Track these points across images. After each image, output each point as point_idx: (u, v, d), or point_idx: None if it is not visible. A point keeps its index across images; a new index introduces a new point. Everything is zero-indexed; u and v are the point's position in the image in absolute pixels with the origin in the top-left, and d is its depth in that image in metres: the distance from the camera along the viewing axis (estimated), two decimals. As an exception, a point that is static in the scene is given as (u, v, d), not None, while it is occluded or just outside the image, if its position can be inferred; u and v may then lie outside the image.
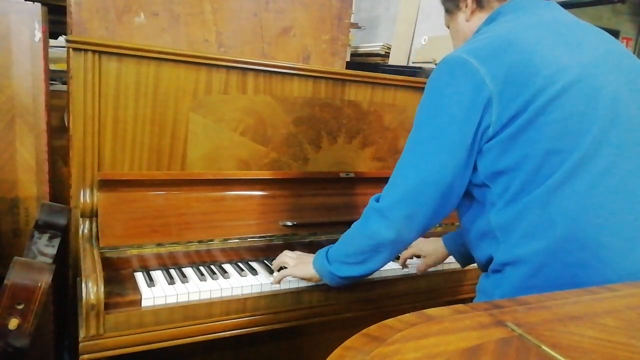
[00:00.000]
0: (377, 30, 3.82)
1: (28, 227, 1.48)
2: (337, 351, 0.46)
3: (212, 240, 1.25)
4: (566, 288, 0.67)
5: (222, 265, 1.21)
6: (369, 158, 1.63)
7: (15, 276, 1.04)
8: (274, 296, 1.15)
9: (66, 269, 1.36)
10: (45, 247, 1.24)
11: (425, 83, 0.97)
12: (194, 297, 1.06)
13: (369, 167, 1.64)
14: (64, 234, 1.28)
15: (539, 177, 0.85)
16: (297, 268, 1.15)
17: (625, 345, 0.49)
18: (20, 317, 1.04)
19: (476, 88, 0.86)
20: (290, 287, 1.17)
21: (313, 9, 1.82)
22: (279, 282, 1.16)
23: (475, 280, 1.11)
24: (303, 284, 1.19)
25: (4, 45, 1.37)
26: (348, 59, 3.24)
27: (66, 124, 1.53)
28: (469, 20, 1.04)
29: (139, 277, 1.10)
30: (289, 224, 1.35)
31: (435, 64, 1.02)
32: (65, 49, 1.38)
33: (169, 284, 1.09)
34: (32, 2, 1.39)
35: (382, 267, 1.05)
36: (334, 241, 1.30)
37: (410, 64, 3.28)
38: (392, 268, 1.32)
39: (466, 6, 1.03)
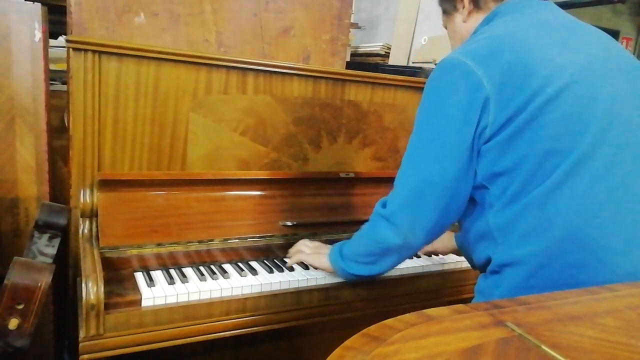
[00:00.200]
0: (377, 30, 3.82)
1: (28, 227, 1.48)
2: (337, 351, 0.46)
3: (212, 240, 1.25)
4: (565, 289, 0.67)
5: (222, 265, 1.21)
6: (369, 158, 1.63)
7: (15, 276, 1.04)
8: (274, 296, 1.15)
9: (66, 269, 1.36)
10: (45, 247, 1.24)
11: (425, 83, 0.97)
12: (194, 297, 1.06)
13: (369, 167, 1.64)
14: (64, 234, 1.28)
15: (537, 177, 0.85)
16: (313, 256, 1.19)
17: (625, 345, 0.49)
18: (20, 317, 1.04)
19: (473, 89, 0.86)
20: (290, 287, 1.17)
21: (313, 9, 1.82)
22: (291, 265, 1.20)
23: (475, 281, 1.11)
24: (303, 284, 1.19)
25: (4, 45, 1.37)
26: (348, 59, 3.24)
27: (66, 124, 1.53)
28: (466, 21, 1.04)
29: (139, 277, 1.10)
30: (289, 224, 1.35)
31: (435, 64, 1.02)
32: (65, 49, 1.38)
33: (169, 284, 1.08)
34: (32, 2, 1.39)
35: (392, 268, 1.07)
36: (333, 241, 1.30)
37: (410, 64, 3.28)
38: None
39: (463, 7, 1.04)
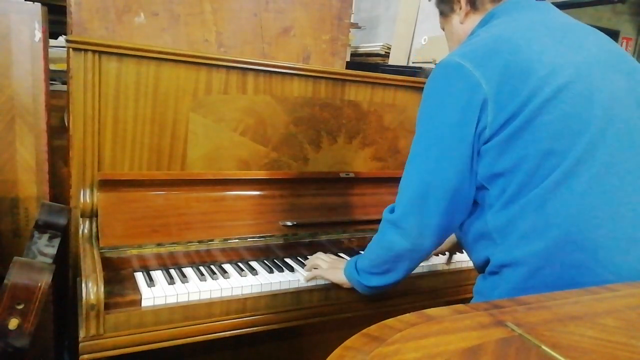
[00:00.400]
0: (377, 30, 3.82)
1: (28, 227, 1.48)
2: (337, 351, 0.46)
3: (212, 240, 1.25)
4: (564, 289, 0.67)
5: (222, 265, 1.21)
6: (369, 158, 1.63)
7: (15, 276, 1.04)
8: (274, 296, 1.15)
9: (66, 269, 1.36)
10: (45, 247, 1.24)
11: (425, 83, 0.97)
12: (194, 297, 1.06)
13: (369, 167, 1.64)
14: (64, 234, 1.28)
15: (536, 178, 0.84)
16: (329, 272, 1.18)
17: (625, 345, 0.49)
18: (20, 317, 1.04)
19: (471, 91, 0.86)
20: (290, 287, 1.17)
21: (313, 9, 1.82)
22: (309, 280, 1.19)
23: (475, 281, 1.11)
24: (303, 284, 1.19)
25: (4, 45, 1.37)
26: (348, 59, 3.24)
27: (66, 124, 1.53)
28: (463, 23, 1.04)
29: (139, 277, 1.10)
30: (289, 224, 1.35)
31: (435, 64, 1.02)
32: (65, 49, 1.38)
33: (169, 284, 1.09)
34: (32, 2, 1.39)
35: (407, 275, 1.06)
36: (334, 241, 1.31)
37: (410, 64, 3.29)
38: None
39: (460, 8, 1.03)
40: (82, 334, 0.96)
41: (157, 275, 1.12)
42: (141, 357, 1.07)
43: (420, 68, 2.56)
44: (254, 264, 1.25)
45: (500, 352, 0.46)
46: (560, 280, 0.83)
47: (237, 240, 1.28)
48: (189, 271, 1.16)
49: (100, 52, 1.18)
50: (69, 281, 1.34)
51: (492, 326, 0.51)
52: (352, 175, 1.56)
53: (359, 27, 3.71)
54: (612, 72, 0.89)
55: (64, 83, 1.85)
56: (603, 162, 0.83)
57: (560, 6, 1.01)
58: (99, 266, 1.00)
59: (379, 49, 3.46)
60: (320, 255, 1.24)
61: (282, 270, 1.22)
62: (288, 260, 1.29)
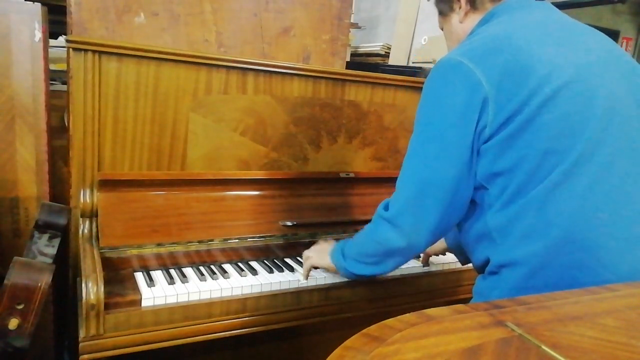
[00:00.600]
0: (377, 30, 3.82)
1: (28, 227, 1.48)
2: (337, 351, 0.46)
3: (212, 240, 1.25)
4: (564, 289, 0.67)
5: (222, 265, 1.21)
6: (369, 158, 1.63)
7: (15, 276, 1.04)
8: (274, 296, 1.15)
9: (66, 269, 1.36)
10: (45, 247, 1.24)
11: (426, 79, 0.97)
12: (194, 297, 1.06)
13: (369, 167, 1.64)
14: (64, 234, 1.28)
15: (536, 178, 0.84)
16: (317, 257, 1.18)
17: (625, 345, 0.49)
18: (20, 317, 1.04)
19: (472, 89, 0.86)
20: (290, 287, 1.17)
21: (313, 9, 1.82)
22: (306, 276, 1.19)
23: (474, 281, 1.11)
24: (303, 284, 1.19)
25: (4, 45, 1.37)
26: (348, 59, 3.24)
27: (66, 124, 1.53)
28: (463, 22, 1.04)
29: (139, 277, 1.10)
30: (289, 224, 1.35)
31: (435, 64, 1.02)
32: (65, 49, 1.38)
33: (169, 284, 1.09)
34: (32, 2, 1.39)
35: (395, 269, 1.06)
36: (335, 241, 1.30)
37: (410, 64, 3.29)
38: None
39: (460, 7, 1.03)
40: (82, 334, 0.96)
41: (157, 275, 1.12)
42: (141, 357, 1.07)
43: (420, 68, 2.56)
44: (254, 264, 1.25)
45: (500, 352, 0.46)
46: (560, 280, 0.83)
47: (237, 240, 1.28)
48: (189, 271, 1.16)
49: (100, 52, 1.18)
50: (69, 281, 1.34)
51: (492, 326, 0.51)
52: (352, 175, 1.55)
53: (359, 27, 3.71)
54: (611, 72, 0.89)
55: (64, 83, 1.85)
56: (603, 161, 0.83)
57: (560, 6, 1.01)
58: (99, 266, 1.00)
59: (379, 49, 3.46)
60: (312, 247, 1.24)
61: (282, 270, 1.22)
62: (288, 260, 1.29)
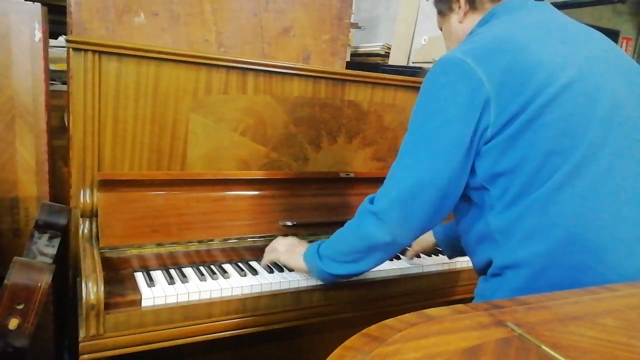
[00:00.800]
0: (377, 30, 3.82)
1: (28, 227, 1.48)
2: (337, 351, 0.46)
3: (212, 240, 1.25)
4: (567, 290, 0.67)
5: (222, 265, 1.21)
6: (369, 158, 1.63)
7: (15, 276, 1.04)
8: (273, 296, 1.15)
9: (66, 269, 1.36)
10: (45, 247, 1.24)
11: (426, 76, 0.96)
12: (194, 297, 1.06)
13: (369, 167, 1.64)
14: (64, 234, 1.28)
15: (539, 178, 0.84)
16: (286, 256, 1.15)
17: (625, 345, 0.49)
18: (20, 317, 1.04)
19: (473, 89, 0.85)
20: (290, 287, 1.17)
21: (313, 9, 1.82)
22: (265, 265, 1.17)
23: (475, 280, 1.11)
24: (303, 284, 1.19)
25: (4, 45, 1.37)
26: (348, 59, 3.24)
27: (66, 124, 1.53)
28: (462, 22, 1.03)
29: (139, 277, 1.10)
30: (289, 224, 1.35)
31: (435, 62, 1.02)
32: (65, 49, 1.38)
33: (169, 284, 1.09)
34: (32, 2, 1.39)
35: (374, 267, 1.04)
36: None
37: (410, 64, 3.29)
38: (391, 268, 1.32)
39: (459, 8, 1.03)
40: (82, 334, 0.96)
41: (157, 275, 1.12)
42: (141, 357, 1.07)
43: (420, 68, 2.56)
44: (254, 264, 1.25)
45: (500, 352, 0.46)
46: (563, 281, 0.83)
47: (237, 240, 1.28)
48: (189, 271, 1.16)
49: (100, 52, 1.18)
50: (69, 281, 1.34)
51: (492, 326, 0.51)
52: (352, 175, 1.56)
53: (359, 27, 3.71)
54: (612, 72, 0.89)
55: (64, 83, 1.85)
56: (606, 162, 0.83)
57: (561, 6, 1.01)
58: (99, 266, 1.00)
59: (379, 49, 3.46)
60: (279, 239, 1.20)
61: (282, 270, 1.22)
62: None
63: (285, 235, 1.34)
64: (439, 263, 1.39)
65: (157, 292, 1.04)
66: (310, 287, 1.19)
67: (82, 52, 1.16)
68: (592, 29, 0.97)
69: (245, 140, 1.41)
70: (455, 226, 1.05)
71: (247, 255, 1.28)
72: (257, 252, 1.30)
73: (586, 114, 0.84)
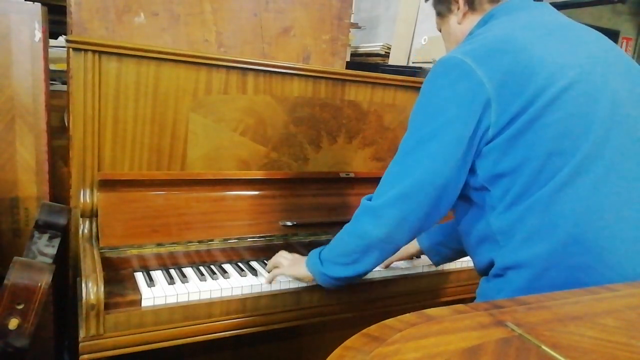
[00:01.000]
0: (377, 30, 3.82)
1: (28, 227, 1.48)
2: (337, 351, 0.46)
3: (212, 240, 1.25)
4: None
5: (222, 265, 1.21)
6: (369, 158, 1.63)
7: (15, 276, 1.04)
8: (273, 296, 1.15)
9: (66, 269, 1.36)
10: (45, 247, 1.24)
11: (426, 76, 0.96)
12: (194, 297, 1.06)
13: (369, 167, 1.64)
14: (64, 234, 1.28)
15: (540, 179, 0.84)
16: (290, 267, 1.15)
17: (625, 345, 0.49)
18: (20, 317, 1.04)
19: (474, 89, 0.85)
20: (290, 287, 1.17)
21: (313, 9, 1.82)
22: (270, 281, 1.15)
23: (476, 280, 1.11)
24: (303, 284, 1.19)
25: (4, 45, 1.37)
26: (348, 59, 3.24)
27: (66, 124, 1.53)
28: (461, 23, 1.03)
29: (139, 277, 1.10)
30: (289, 224, 1.35)
31: (435, 62, 1.02)
32: (65, 49, 1.38)
33: (169, 284, 1.09)
34: (32, 2, 1.39)
35: (373, 268, 1.04)
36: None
37: (410, 64, 3.29)
38: (391, 268, 1.32)
39: (458, 9, 1.03)
40: (82, 334, 0.96)
41: (157, 275, 1.12)
42: (141, 357, 1.07)
43: (420, 68, 2.56)
44: (254, 264, 1.25)
45: (500, 352, 0.46)
46: (565, 282, 0.82)
47: (237, 240, 1.28)
48: (189, 271, 1.16)
49: (100, 52, 1.18)
50: (69, 281, 1.34)
51: (492, 326, 0.51)
52: (352, 175, 1.56)
53: (359, 27, 3.71)
54: (613, 73, 0.88)
55: (64, 83, 1.85)
56: (608, 163, 0.83)
57: (560, 6, 1.01)
58: (99, 266, 1.00)
59: (379, 49, 3.46)
60: (282, 253, 1.20)
61: (282, 270, 1.22)
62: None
63: (285, 235, 1.34)
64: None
65: (157, 292, 1.04)
66: (310, 287, 1.19)
67: (82, 52, 1.16)
68: (592, 29, 0.97)
69: (245, 140, 1.41)
70: (456, 226, 1.05)
71: (247, 255, 1.28)
72: (257, 252, 1.30)
73: (587, 115, 0.84)
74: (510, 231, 0.88)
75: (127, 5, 1.49)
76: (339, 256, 1.04)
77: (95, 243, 1.13)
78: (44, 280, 1.06)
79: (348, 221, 1.02)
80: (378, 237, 0.95)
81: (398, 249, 1.01)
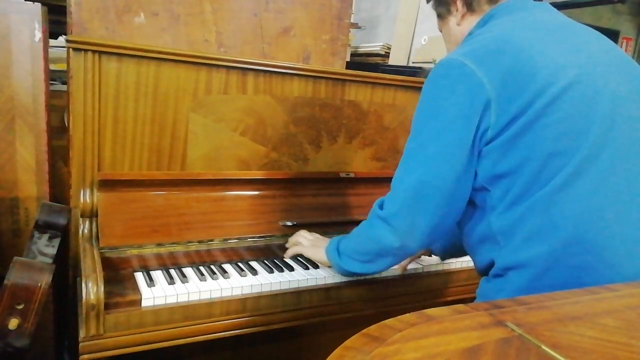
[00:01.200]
0: (377, 30, 3.82)
1: (28, 227, 1.48)
2: (337, 351, 0.46)
3: (212, 240, 1.25)
4: None
5: (222, 265, 1.21)
6: (369, 158, 1.63)
7: (15, 276, 1.04)
8: (274, 296, 1.15)
9: (66, 269, 1.36)
10: (45, 247, 1.24)
11: (427, 79, 0.96)
12: (194, 297, 1.06)
13: (369, 167, 1.64)
14: (64, 234, 1.28)
15: (541, 179, 0.84)
16: (310, 249, 1.19)
17: (625, 345, 0.49)
18: (20, 317, 1.04)
19: (474, 90, 0.85)
20: (290, 287, 1.17)
21: (313, 9, 1.82)
22: (289, 257, 1.19)
23: (475, 280, 1.11)
24: (303, 284, 1.19)
25: (4, 45, 1.37)
26: (348, 59, 3.24)
27: (66, 124, 1.53)
28: (460, 24, 1.03)
29: (139, 277, 1.10)
30: (289, 224, 1.35)
31: (435, 64, 1.03)
32: (65, 49, 1.38)
33: (169, 284, 1.08)
34: (32, 2, 1.39)
35: (388, 268, 1.06)
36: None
37: (410, 64, 3.29)
38: (391, 268, 1.31)
39: (457, 10, 1.03)
40: (82, 334, 0.96)
41: (157, 275, 1.12)
42: (141, 357, 1.07)
43: (420, 68, 2.56)
44: (254, 264, 1.25)
45: (500, 352, 0.46)
46: (566, 281, 0.82)
47: (237, 240, 1.28)
48: (189, 271, 1.16)
49: (100, 52, 1.18)
50: (69, 281, 1.34)
51: (492, 326, 0.51)
52: (352, 175, 1.55)
53: (359, 27, 3.71)
54: (613, 73, 0.88)
55: (64, 83, 1.85)
56: (608, 163, 0.83)
57: (560, 6, 1.01)
58: (99, 266, 1.00)
59: (379, 49, 3.46)
60: (302, 232, 1.24)
61: (282, 270, 1.22)
62: (288, 260, 1.29)
63: (285, 235, 1.34)
64: (439, 263, 1.39)
65: (157, 292, 1.04)
66: (310, 287, 1.19)
67: (82, 52, 1.16)
68: (592, 29, 0.97)
69: (245, 140, 1.41)
70: (457, 227, 1.05)
71: (247, 255, 1.28)
72: (257, 252, 1.30)
73: (587, 115, 0.84)
74: (511, 231, 0.88)
75: (127, 5, 1.49)
76: (356, 253, 1.06)
77: (95, 243, 1.13)
78: (44, 280, 1.06)
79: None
80: (393, 245, 0.97)
81: (413, 254, 1.02)
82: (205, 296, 1.08)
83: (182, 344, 1.06)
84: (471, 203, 0.96)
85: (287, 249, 1.30)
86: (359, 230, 1.06)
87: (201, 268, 1.18)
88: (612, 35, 3.21)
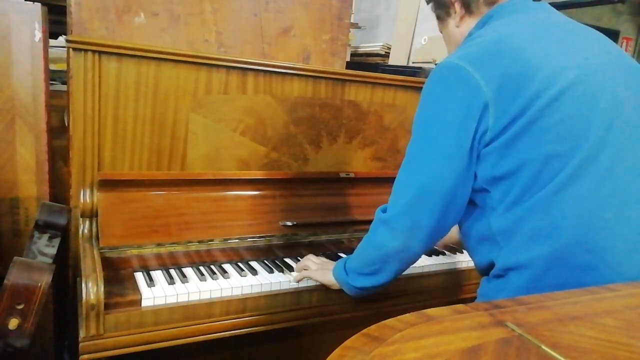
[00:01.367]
0: (377, 30, 3.82)
1: (28, 227, 1.48)
2: (337, 351, 0.46)
3: (212, 240, 1.25)
4: None
5: (222, 265, 1.21)
6: (369, 158, 1.63)
7: (15, 276, 1.04)
8: (274, 296, 1.15)
9: (66, 269, 1.36)
10: (45, 247, 1.24)
11: (425, 83, 0.97)
12: (194, 297, 1.06)
13: (369, 167, 1.64)
14: (64, 234, 1.28)
15: (540, 181, 0.84)
16: (319, 272, 1.17)
17: (625, 345, 0.49)
18: (20, 317, 1.04)
19: (472, 93, 0.85)
20: (290, 287, 1.17)
21: (313, 9, 1.82)
22: (298, 280, 1.18)
23: (475, 280, 1.11)
24: (303, 284, 1.19)
25: (4, 45, 1.37)
26: (348, 59, 3.24)
27: (66, 124, 1.53)
28: (459, 26, 1.04)
29: (139, 277, 1.10)
30: (289, 224, 1.35)
31: (435, 64, 1.02)
32: (65, 49, 1.38)
33: (169, 284, 1.08)
34: (32, 2, 1.39)
35: (395, 277, 1.06)
36: (333, 241, 1.30)
37: (410, 64, 3.28)
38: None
39: (455, 12, 1.03)
40: (82, 334, 0.96)
41: (157, 275, 1.12)
42: (141, 357, 1.07)
43: (420, 68, 2.56)
44: (254, 264, 1.25)
45: (500, 352, 0.46)
46: (567, 282, 0.83)
47: (237, 240, 1.28)
48: (189, 271, 1.16)
49: (100, 52, 1.18)
50: (69, 281, 1.34)
51: (492, 326, 0.51)
52: (352, 175, 1.55)
53: (359, 27, 3.71)
54: (613, 73, 0.88)
55: (64, 83, 1.85)
56: (607, 163, 0.83)
57: (560, 6, 1.01)
58: (99, 266, 1.00)
59: (379, 49, 3.46)
60: (310, 257, 1.23)
61: (282, 270, 1.22)
62: (288, 260, 1.29)
63: (285, 235, 1.34)
64: (439, 263, 1.39)
65: (157, 292, 1.04)
66: (310, 287, 1.19)
67: (82, 52, 1.16)
68: (592, 29, 0.97)
69: (245, 140, 1.41)
70: (457, 227, 1.06)
71: (247, 255, 1.28)
72: (257, 252, 1.30)
73: (586, 116, 0.83)
74: (511, 232, 0.88)
75: (127, 5, 1.49)
76: (362, 267, 1.06)
77: (95, 243, 1.13)
78: (44, 280, 1.06)
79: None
80: (394, 248, 0.97)
81: (418, 257, 1.02)
82: (205, 296, 1.08)
83: (182, 344, 1.06)
84: (470, 203, 0.96)
85: (286, 248, 1.30)
86: (363, 242, 1.06)
87: (201, 268, 1.18)
88: (612, 35, 3.21)
